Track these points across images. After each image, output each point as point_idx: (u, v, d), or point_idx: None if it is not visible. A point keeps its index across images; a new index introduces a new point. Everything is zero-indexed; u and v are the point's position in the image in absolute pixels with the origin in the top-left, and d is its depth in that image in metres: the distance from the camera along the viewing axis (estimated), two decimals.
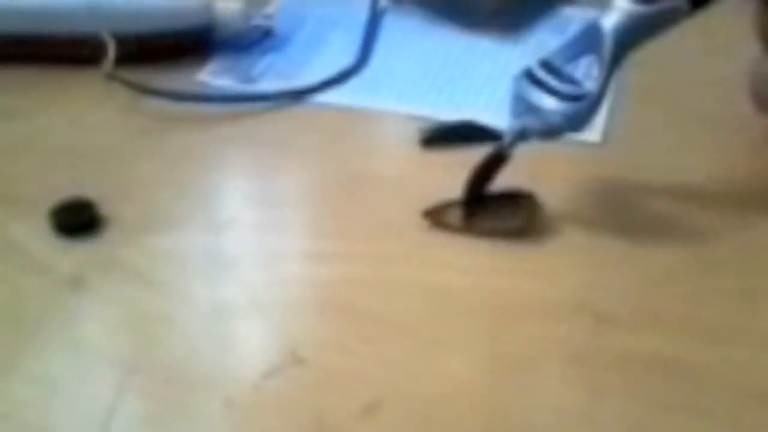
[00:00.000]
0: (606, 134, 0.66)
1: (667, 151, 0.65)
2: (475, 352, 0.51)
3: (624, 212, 0.60)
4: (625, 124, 0.67)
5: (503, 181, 0.58)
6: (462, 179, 0.57)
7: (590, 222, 0.59)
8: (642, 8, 0.55)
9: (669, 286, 0.55)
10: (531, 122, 0.57)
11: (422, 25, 0.80)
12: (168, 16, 0.73)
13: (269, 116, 0.69)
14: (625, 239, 0.57)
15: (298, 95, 0.70)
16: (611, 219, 0.59)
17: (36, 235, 0.57)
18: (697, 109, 0.69)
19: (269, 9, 0.80)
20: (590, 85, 0.56)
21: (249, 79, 0.73)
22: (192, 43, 0.74)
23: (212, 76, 0.73)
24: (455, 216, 0.58)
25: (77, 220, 0.57)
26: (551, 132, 0.56)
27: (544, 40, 0.77)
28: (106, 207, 0.59)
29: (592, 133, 0.65)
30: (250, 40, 0.76)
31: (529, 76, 0.58)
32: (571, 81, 0.57)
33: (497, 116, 0.64)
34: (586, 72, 0.57)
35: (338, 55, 0.75)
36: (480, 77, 0.73)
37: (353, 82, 0.73)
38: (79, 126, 0.67)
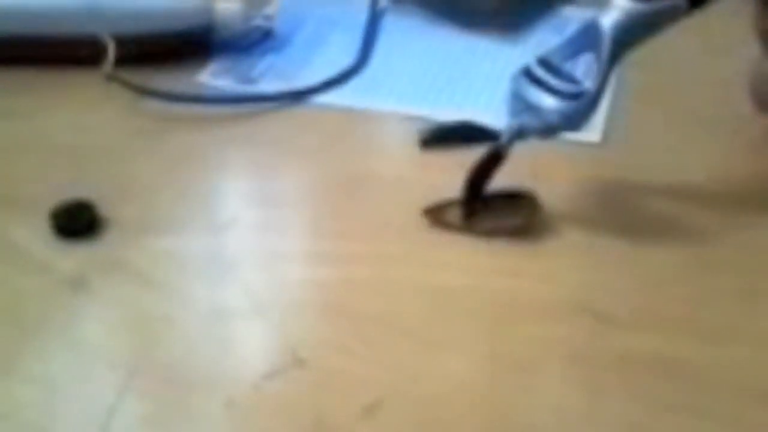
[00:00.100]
0: (606, 134, 0.66)
1: (666, 151, 0.65)
2: (475, 353, 0.51)
3: (624, 212, 0.60)
4: (625, 124, 0.67)
5: (503, 180, 0.58)
6: (461, 180, 0.58)
7: (590, 222, 0.59)
8: (641, 6, 0.55)
9: (669, 286, 0.55)
10: (529, 121, 0.57)
11: (422, 25, 0.80)
12: (168, 17, 0.73)
13: (269, 117, 0.69)
14: (624, 239, 0.57)
15: (298, 96, 0.71)
16: (611, 219, 0.59)
17: (36, 236, 0.57)
18: (697, 109, 0.69)
19: (269, 10, 0.80)
20: (588, 83, 0.56)
21: (249, 80, 0.73)
22: (192, 44, 0.74)
23: (212, 76, 0.73)
24: (455, 215, 0.58)
25: (77, 222, 0.57)
26: (549, 130, 0.56)
27: (543, 40, 0.77)
28: (106, 208, 0.59)
29: (592, 133, 0.65)
30: (250, 41, 0.76)
31: (528, 75, 0.58)
32: (570, 79, 0.57)
33: (497, 116, 0.63)
34: (585, 70, 0.57)
35: (338, 55, 0.75)
36: (480, 77, 0.73)
37: (353, 83, 0.73)
38: (79, 127, 0.67)
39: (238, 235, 0.58)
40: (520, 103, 0.57)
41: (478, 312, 0.53)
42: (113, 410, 0.47)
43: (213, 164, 0.65)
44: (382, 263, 0.56)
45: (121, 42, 0.70)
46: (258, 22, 0.77)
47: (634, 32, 0.55)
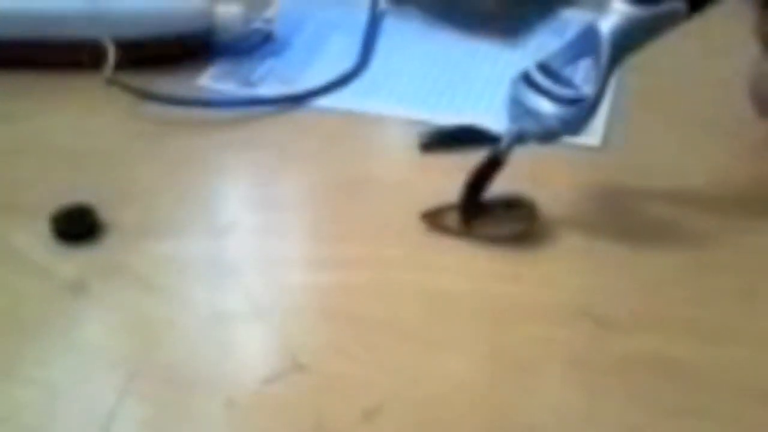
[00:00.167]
0: (606, 138, 0.66)
1: (666, 154, 0.65)
2: (476, 356, 0.51)
3: (624, 216, 0.60)
4: (625, 127, 0.67)
5: (502, 183, 0.58)
6: (461, 183, 0.57)
7: (589, 225, 0.59)
8: (640, 11, 0.55)
9: (668, 288, 0.55)
10: (528, 126, 0.57)
11: (422, 28, 0.80)
12: (168, 20, 0.73)
13: (269, 120, 0.69)
14: (624, 243, 0.57)
15: (298, 99, 0.71)
16: (611, 223, 0.59)
17: (37, 241, 0.57)
18: (697, 112, 0.69)
19: (269, 13, 0.80)
20: (588, 88, 0.56)
21: (249, 84, 0.73)
22: (192, 48, 0.74)
23: (213, 80, 0.73)
24: (453, 220, 0.58)
25: (78, 226, 0.57)
26: (548, 136, 0.56)
27: (543, 43, 0.77)
28: (106, 212, 0.59)
29: (592, 137, 0.65)
30: (251, 45, 0.76)
31: (527, 80, 0.58)
32: (569, 84, 0.57)
33: (497, 120, 0.63)
34: (584, 75, 0.57)
35: (338, 58, 0.75)
36: (480, 80, 0.73)
37: (353, 86, 0.73)
38: (79, 130, 0.67)
39: (239, 238, 0.59)
40: (519, 108, 0.57)
41: (478, 315, 0.53)
42: (113, 414, 0.47)
43: (213, 168, 0.65)
44: (382, 267, 0.56)
45: (122, 46, 0.70)
46: (258, 25, 0.77)
47: (634, 37, 0.55)
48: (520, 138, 0.57)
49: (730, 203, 0.61)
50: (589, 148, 0.65)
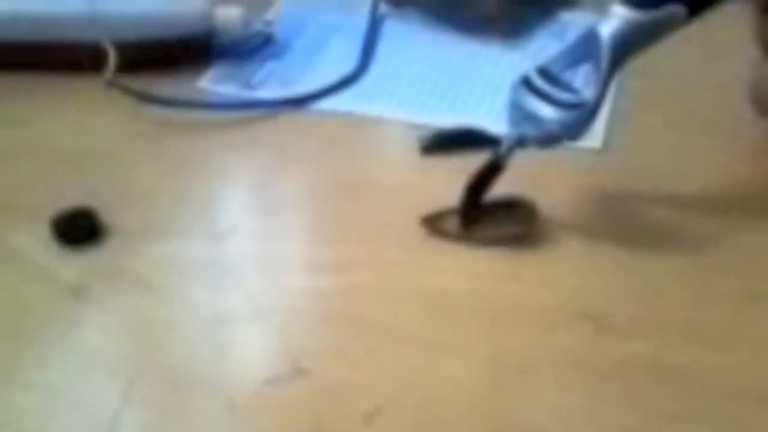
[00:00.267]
0: (606, 140, 0.66)
1: (667, 156, 0.65)
2: (475, 358, 0.51)
3: (623, 218, 0.60)
4: (626, 130, 0.67)
5: (502, 186, 0.58)
6: (462, 186, 0.58)
7: (590, 228, 0.59)
8: (640, 15, 0.55)
9: (668, 291, 0.55)
10: (529, 130, 0.57)
11: (422, 31, 0.80)
12: (168, 23, 0.73)
13: (269, 123, 0.69)
14: (624, 245, 0.57)
15: (299, 102, 0.71)
16: (610, 225, 0.59)
17: (38, 244, 0.57)
18: (697, 114, 0.69)
19: (269, 16, 0.80)
20: (588, 92, 0.56)
21: (249, 86, 0.73)
22: (192, 50, 0.74)
23: (213, 82, 0.73)
24: (453, 224, 0.58)
25: (78, 229, 0.57)
26: (549, 140, 0.56)
27: (543, 46, 0.77)
28: (107, 214, 0.59)
29: (593, 139, 0.65)
30: (251, 47, 0.76)
31: (527, 84, 0.58)
32: (569, 89, 0.57)
33: (497, 122, 0.63)
34: (584, 79, 0.57)
35: (338, 61, 0.75)
36: (480, 83, 0.73)
37: (353, 89, 0.73)
38: (79, 133, 0.67)
39: (239, 240, 0.59)
40: (519, 113, 0.57)
41: (478, 317, 0.53)
42: (116, 417, 0.47)
43: (213, 170, 0.65)
44: (382, 269, 0.56)
45: (122, 48, 0.70)
46: (258, 27, 0.77)
47: (634, 41, 0.55)
48: (520, 142, 0.57)
49: (730, 205, 0.61)
50: (590, 151, 0.65)
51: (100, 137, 0.67)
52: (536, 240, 0.58)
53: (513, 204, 0.58)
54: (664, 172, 0.64)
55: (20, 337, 0.52)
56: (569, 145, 0.59)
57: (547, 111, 0.56)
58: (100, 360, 0.51)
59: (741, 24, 0.63)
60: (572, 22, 0.80)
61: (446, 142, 0.65)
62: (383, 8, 0.82)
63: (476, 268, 0.56)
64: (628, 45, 0.55)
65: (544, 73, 0.58)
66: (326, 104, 0.71)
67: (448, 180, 0.59)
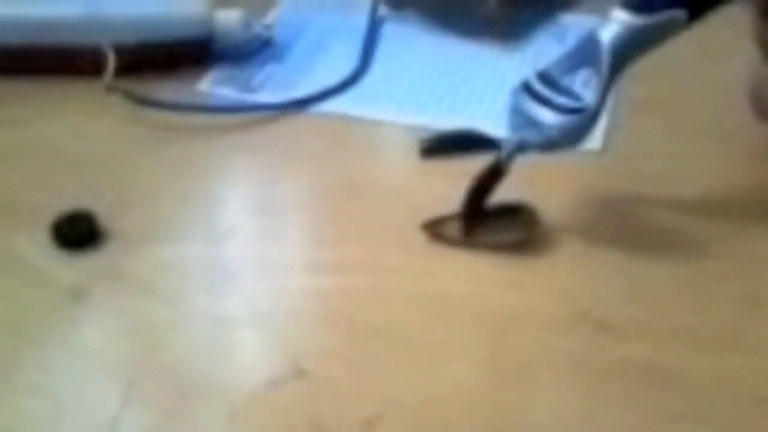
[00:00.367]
0: (606, 142, 0.66)
1: (666, 159, 0.65)
2: (476, 361, 0.51)
3: (623, 221, 0.60)
4: (625, 132, 0.67)
5: (502, 189, 0.58)
6: (462, 188, 0.57)
7: (589, 231, 0.59)
8: (640, 20, 0.55)
9: (668, 295, 0.55)
10: (529, 135, 0.56)
11: (422, 33, 0.80)
12: (168, 25, 0.73)
13: (269, 125, 0.69)
14: (624, 249, 0.57)
15: (298, 104, 0.71)
16: (610, 228, 0.59)
17: (37, 247, 0.57)
18: (697, 117, 0.69)
19: (269, 18, 0.80)
20: (589, 97, 0.56)
21: (249, 89, 0.73)
22: (192, 53, 0.74)
23: (213, 85, 0.73)
24: (454, 229, 0.58)
25: (78, 232, 0.57)
26: (549, 145, 0.56)
27: (543, 48, 0.78)
28: (107, 217, 0.59)
29: (592, 141, 0.65)
30: (250, 50, 0.76)
31: (527, 89, 0.58)
32: (569, 93, 0.57)
33: (497, 124, 0.64)
34: (584, 84, 0.57)
35: (338, 64, 0.75)
36: (480, 85, 0.73)
37: (353, 91, 0.73)
38: (79, 136, 0.67)
39: (238, 243, 0.59)
40: (520, 118, 0.57)
41: (478, 320, 0.53)
42: (116, 421, 0.47)
43: (213, 172, 0.65)
44: (382, 271, 0.56)
45: (122, 51, 0.70)
46: (258, 30, 0.77)
47: (634, 46, 0.55)
48: (521, 147, 0.56)
49: (730, 209, 0.61)
50: (589, 154, 0.65)
51: (100, 140, 0.67)
52: (536, 243, 0.58)
53: (514, 210, 0.58)
54: (664, 175, 0.64)
55: (20, 340, 0.52)
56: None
57: (547, 116, 0.56)
58: (100, 363, 0.51)
59: (740, 26, 0.63)
60: (572, 24, 0.80)
61: (446, 145, 0.65)
62: (383, 10, 0.82)
63: (476, 272, 0.56)
64: (628, 49, 0.55)
65: (545, 77, 0.58)
66: (326, 107, 0.71)
67: (448, 182, 0.59)
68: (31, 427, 0.48)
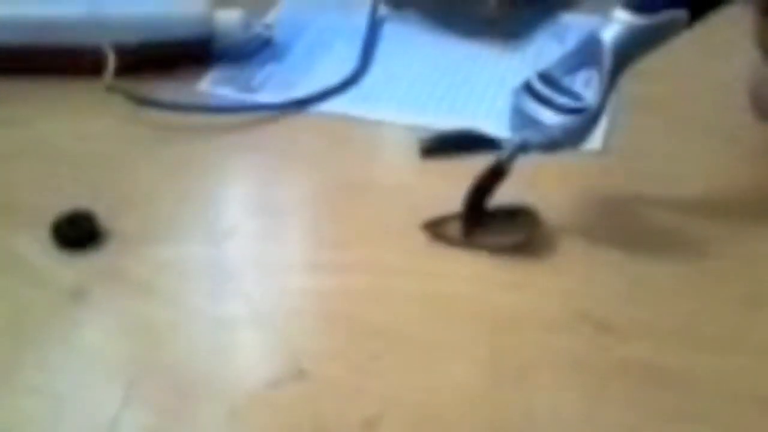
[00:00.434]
0: (606, 142, 0.66)
1: (667, 159, 0.65)
2: (476, 361, 0.51)
3: (624, 222, 0.60)
4: (626, 131, 0.67)
5: (503, 190, 0.58)
6: (462, 188, 0.57)
7: (589, 231, 0.59)
8: (641, 20, 0.55)
9: (668, 295, 0.55)
10: (531, 136, 0.56)
11: (422, 33, 0.80)
12: (168, 25, 0.73)
13: (269, 125, 0.69)
14: (625, 249, 0.57)
15: (298, 105, 0.71)
16: (610, 228, 0.59)
17: (37, 247, 0.57)
18: (698, 117, 0.69)
19: (269, 18, 0.80)
20: (590, 97, 0.56)
21: (249, 89, 0.73)
22: (192, 53, 0.74)
23: (213, 85, 0.73)
24: (455, 229, 0.58)
25: (78, 233, 0.57)
26: (551, 146, 0.56)
27: (543, 47, 0.78)
28: (106, 217, 0.59)
29: (593, 141, 0.65)
30: (250, 50, 0.76)
31: (529, 89, 0.58)
32: (571, 94, 0.57)
33: (498, 124, 0.64)
34: (585, 83, 0.57)
35: (338, 63, 0.75)
36: (480, 85, 0.73)
37: (353, 91, 0.73)
38: (79, 136, 0.67)
39: (239, 243, 0.59)
40: (521, 118, 0.57)
41: (478, 321, 0.53)
42: (116, 421, 0.47)
43: (213, 172, 0.65)
44: (383, 272, 0.56)
45: (122, 51, 0.70)
46: (258, 30, 0.77)
47: (636, 46, 0.55)
48: (522, 148, 0.56)
49: (731, 209, 0.61)
50: (590, 153, 0.65)
51: (100, 140, 0.67)
52: (537, 243, 0.58)
53: (515, 211, 0.58)
54: (664, 175, 0.64)
55: (20, 340, 0.52)
56: None
57: (549, 116, 0.56)
58: (100, 363, 0.51)
59: (741, 26, 0.63)
60: (572, 24, 0.80)
61: (446, 145, 0.65)
62: (383, 10, 0.82)
63: (477, 271, 0.56)
64: (630, 50, 0.55)
65: (546, 78, 0.58)
66: (326, 107, 0.71)
67: (448, 182, 0.59)
68: (31, 427, 0.47)
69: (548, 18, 0.82)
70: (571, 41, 0.59)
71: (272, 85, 0.73)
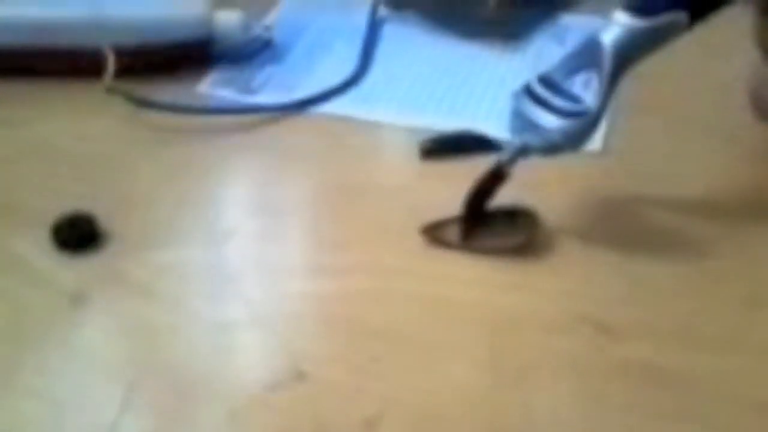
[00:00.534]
0: (606, 143, 0.66)
1: (667, 159, 0.65)
2: (476, 364, 0.51)
3: (624, 223, 0.60)
4: (625, 132, 0.67)
5: (503, 191, 0.58)
6: (462, 190, 0.57)
7: (589, 231, 0.59)
8: (641, 22, 0.55)
9: (668, 296, 0.55)
10: (531, 139, 0.56)
11: (422, 34, 0.80)
12: (168, 27, 0.73)
13: (269, 127, 0.69)
14: (625, 250, 0.57)
15: (298, 106, 0.71)
16: (610, 229, 0.59)
17: (38, 249, 0.57)
18: (697, 117, 0.69)
19: (269, 20, 0.80)
20: (590, 100, 0.55)
21: (249, 90, 0.73)
22: (192, 55, 0.74)
23: (212, 87, 0.73)
24: (454, 233, 0.58)
25: (78, 235, 0.57)
26: (551, 149, 0.56)
27: (543, 48, 0.78)
28: (106, 219, 0.59)
29: (592, 142, 0.65)
30: (250, 51, 0.76)
31: (529, 92, 0.57)
32: (571, 97, 0.57)
33: (498, 125, 0.64)
34: (585, 86, 0.57)
35: (338, 65, 0.75)
36: (480, 86, 0.73)
37: (353, 92, 0.73)
38: (79, 137, 0.67)
39: (239, 246, 0.59)
40: (521, 122, 0.57)
41: (478, 322, 0.53)
42: (116, 423, 0.47)
43: (213, 175, 0.65)
44: (382, 274, 0.56)
45: (122, 53, 0.70)
46: (257, 32, 0.77)
47: (636, 48, 0.55)
48: (523, 151, 0.56)
49: (730, 209, 0.61)
50: (590, 154, 0.65)
51: (100, 142, 0.67)
52: (537, 244, 0.58)
53: (514, 213, 0.58)
54: (664, 175, 0.64)
55: (20, 343, 0.52)
56: None
57: (549, 119, 0.56)
58: (100, 365, 0.51)
59: (740, 26, 0.63)
60: (572, 25, 0.80)
61: (446, 146, 0.65)
62: (382, 11, 0.82)
63: (476, 273, 0.56)
64: (630, 52, 0.55)
65: (546, 81, 0.57)
66: (326, 108, 0.71)
67: (448, 183, 0.59)
68: (30, 430, 0.48)
69: (548, 19, 0.82)
70: (571, 42, 0.59)
71: (272, 87, 0.73)
